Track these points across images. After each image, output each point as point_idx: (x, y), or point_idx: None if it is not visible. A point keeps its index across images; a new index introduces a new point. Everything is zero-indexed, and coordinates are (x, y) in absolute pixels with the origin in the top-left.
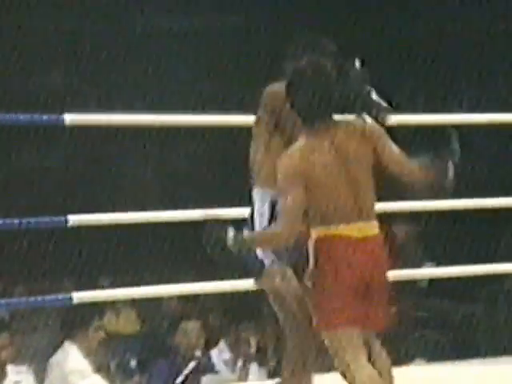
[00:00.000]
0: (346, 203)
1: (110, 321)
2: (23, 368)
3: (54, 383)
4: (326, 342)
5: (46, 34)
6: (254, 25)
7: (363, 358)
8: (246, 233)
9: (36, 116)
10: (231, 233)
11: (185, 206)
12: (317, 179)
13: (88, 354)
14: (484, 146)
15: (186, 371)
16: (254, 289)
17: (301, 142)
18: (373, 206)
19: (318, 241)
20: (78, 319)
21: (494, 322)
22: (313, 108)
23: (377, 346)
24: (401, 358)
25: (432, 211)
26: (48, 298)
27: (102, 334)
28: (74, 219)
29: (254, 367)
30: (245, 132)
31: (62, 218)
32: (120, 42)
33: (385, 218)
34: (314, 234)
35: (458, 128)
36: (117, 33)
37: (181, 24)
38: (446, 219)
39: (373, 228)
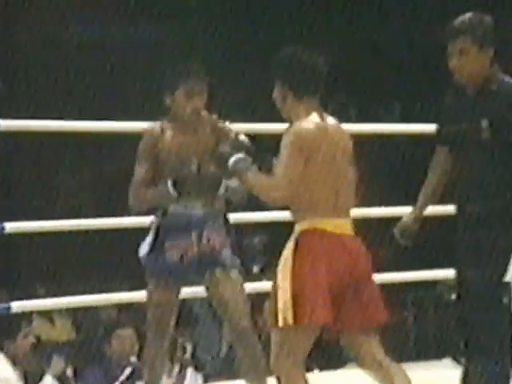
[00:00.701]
0: (333, 196)
1: (45, 329)
2: None
3: None
4: (277, 336)
5: None
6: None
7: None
8: (249, 167)
9: None
10: (240, 156)
11: (120, 214)
12: (315, 164)
13: (17, 361)
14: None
15: (121, 378)
16: (189, 295)
17: (309, 120)
18: (352, 206)
19: (302, 234)
20: (8, 328)
21: (423, 326)
22: (310, 80)
23: (374, 344)
24: (334, 362)
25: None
26: None
27: (31, 339)
28: (10, 226)
29: (189, 372)
30: None
31: None
32: (55, 51)
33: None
34: (299, 226)
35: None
36: (51, 43)
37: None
38: (378, 226)
39: (351, 226)
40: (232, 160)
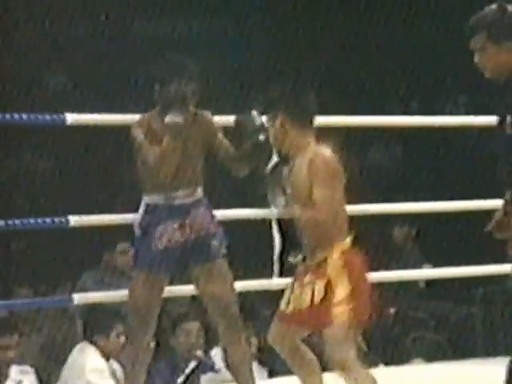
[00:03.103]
0: (346, 217)
1: None
2: (26, 368)
3: (71, 382)
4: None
5: (46, 36)
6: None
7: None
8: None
9: (38, 116)
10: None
11: None
12: (340, 189)
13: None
14: (480, 148)
15: (187, 371)
16: (255, 289)
17: (324, 147)
18: None
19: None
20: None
21: (490, 322)
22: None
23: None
24: (399, 357)
25: (429, 212)
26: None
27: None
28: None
29: (254, 366)
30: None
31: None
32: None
33: (383, 220)
34: (338, 249)
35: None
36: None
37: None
38: (443, 220)
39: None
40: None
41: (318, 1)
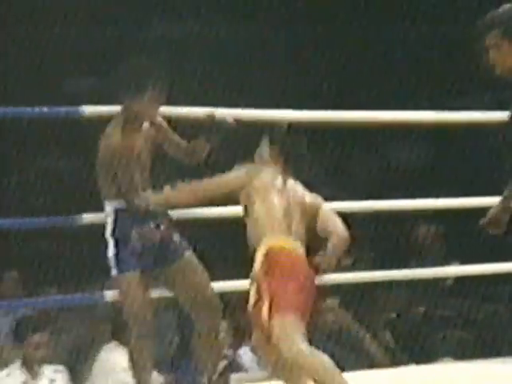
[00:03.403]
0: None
1: None
2: (59, 367)
3: (100, 380)
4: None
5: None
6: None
7: None
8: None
9: (54, 108)
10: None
11: None
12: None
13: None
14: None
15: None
16: None
17: None
18: None
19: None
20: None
21: None
22: None
23: None
24: (427, 356)
25: (456, 210)
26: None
27: None
28: None
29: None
30: None
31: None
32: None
33: (409, 217)
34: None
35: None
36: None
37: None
38: (471, 217)
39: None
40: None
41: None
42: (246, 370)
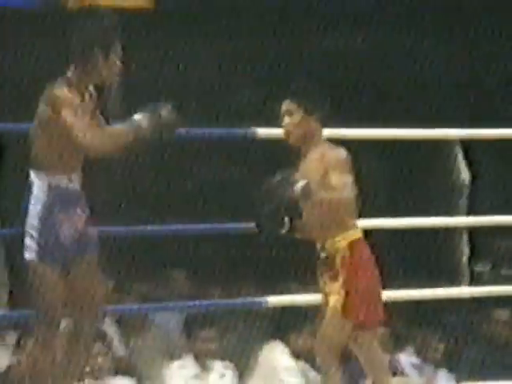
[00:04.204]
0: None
1: None
2: (228, 363)
3: (263, 378)
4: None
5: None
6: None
7: None
8: None
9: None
10: None
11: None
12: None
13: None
14: None
15: None
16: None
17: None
18: None
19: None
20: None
21: None
22: None
23: None
24: None
25: None
26: (244, 300)
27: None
28: None
29: (442, 372)
30: None
31: None
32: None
33: None
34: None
35: None
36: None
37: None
38: None
39: None
40: None
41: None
42: (405, 375)
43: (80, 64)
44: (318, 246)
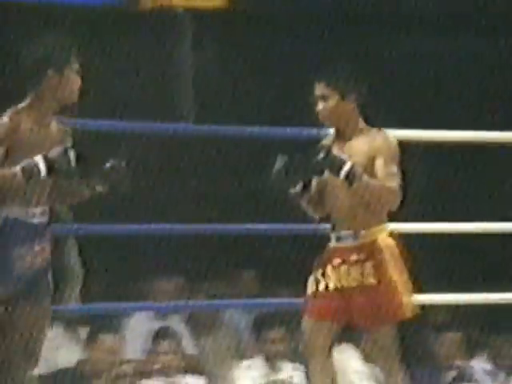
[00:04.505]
0: None
1: None
2: (298, 365)
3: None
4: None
5: None
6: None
7: None
8: None
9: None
10: None
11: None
12: None
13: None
14: None
15: (446, 380)
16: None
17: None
18: None
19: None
20: None
21: None
22: None
23: None
24: None
25: None
26: None
27: None
28: None
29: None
30: None
31: None
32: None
33: None
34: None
35: None
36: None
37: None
38: None
39: None
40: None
41: None
42: (477, 382)
43: (34, 90)
44: (343, 232)
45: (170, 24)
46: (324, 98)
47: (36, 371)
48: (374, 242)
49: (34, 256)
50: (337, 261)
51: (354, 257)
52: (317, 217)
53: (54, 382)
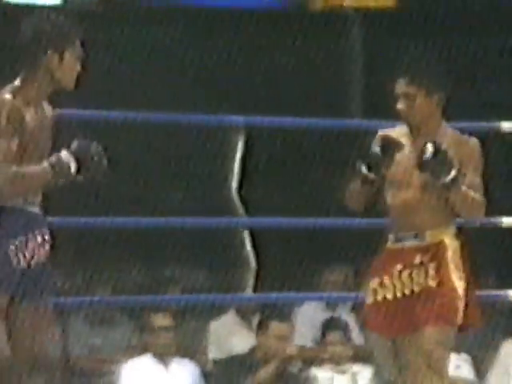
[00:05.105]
0: None
1: None
2: (465, 356)
3: (500, 376)
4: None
5: None
6: None
7: None
8: None
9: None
10: None
11: None
12: None
13: None
14: None
15: None
16: None
17: None
18: None
19: None
20: None
21: None
22: None
23: None
24: None
25: None
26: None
27: None
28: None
29: None
30: None
31: None
32: None
33: None
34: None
35: None
36: None
37: None
38: None
39: None
40: None
41: None
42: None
43: (30, 69)
44: (405, 232)
45: (341, 24)
46: (408, 95)
47: (210, 356)
48: (440, 243)
49: (37, 247)
50: (398, 267)
51: (417, 259)
52: (358, 210)
53: (228, 368)
